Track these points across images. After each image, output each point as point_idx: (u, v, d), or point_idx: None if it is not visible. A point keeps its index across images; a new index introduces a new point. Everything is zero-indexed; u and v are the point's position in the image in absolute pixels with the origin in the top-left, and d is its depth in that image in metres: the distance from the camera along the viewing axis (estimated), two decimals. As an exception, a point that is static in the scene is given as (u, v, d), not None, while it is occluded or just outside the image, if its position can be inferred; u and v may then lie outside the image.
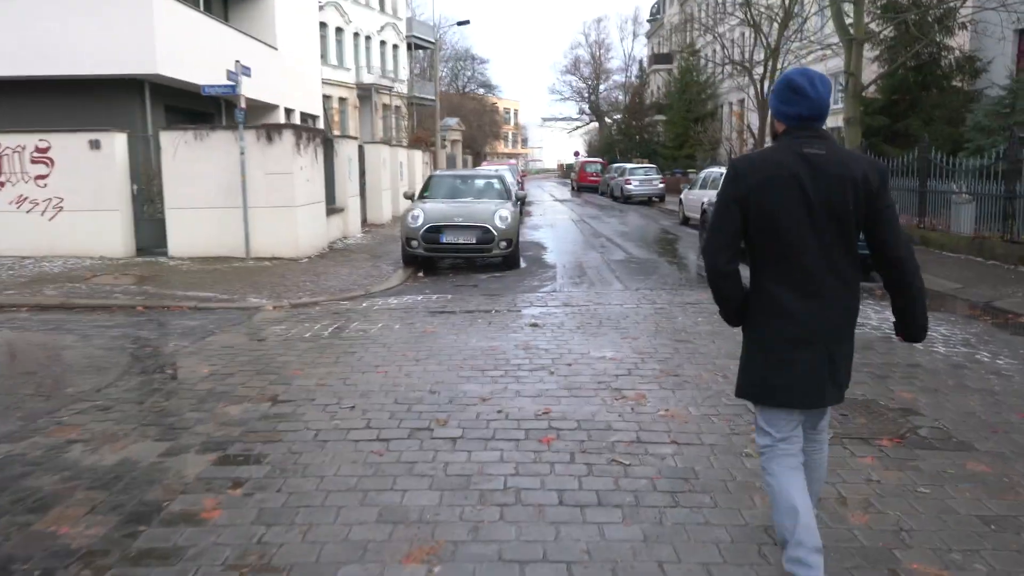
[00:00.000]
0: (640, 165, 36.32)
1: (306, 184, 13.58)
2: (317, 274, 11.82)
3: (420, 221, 12.53)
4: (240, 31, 21.26)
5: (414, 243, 12.55)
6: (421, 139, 40.03)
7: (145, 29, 15.43)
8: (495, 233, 12.41)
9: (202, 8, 20.31)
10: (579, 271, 12.42)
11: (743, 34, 30.01)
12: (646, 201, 33.18)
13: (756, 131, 25.59)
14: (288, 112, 25.79)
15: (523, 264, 13.37)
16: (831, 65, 30.63)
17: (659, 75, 59.59)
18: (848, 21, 18.92)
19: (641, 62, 68.31)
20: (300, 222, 13.27)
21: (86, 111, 15.49)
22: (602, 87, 77.67)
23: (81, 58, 15.29)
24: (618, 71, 76.57)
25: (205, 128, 12.98)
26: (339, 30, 45.93)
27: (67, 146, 12.86)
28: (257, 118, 22.29)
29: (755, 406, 3.13)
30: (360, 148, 20.31)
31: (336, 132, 43.19)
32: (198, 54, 17.35)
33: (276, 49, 23.79)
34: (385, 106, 51.47)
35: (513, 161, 41.88)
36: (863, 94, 19.13)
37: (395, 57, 53.65)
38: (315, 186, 14.16)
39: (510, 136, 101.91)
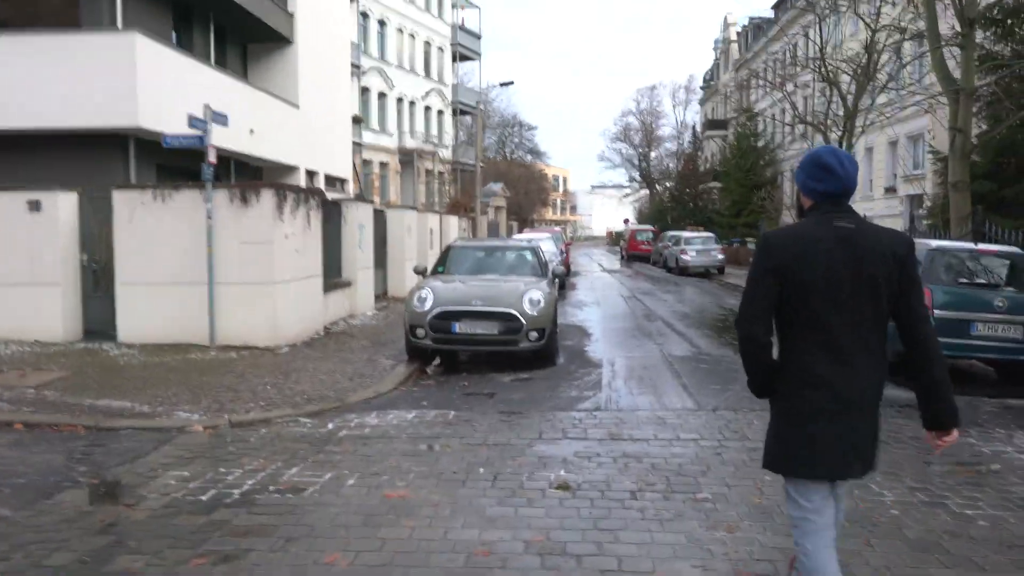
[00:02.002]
0: (697, 234, 33.39)
1: (292, 256, 10.99)
2: (290, 372, 9.08)
3: (428, 304, 9.79)
4: (249, 84, 19.23)
5: (419, 332, 9.79)
6: (461, 204, 37.79)
7: (124, 76, 13.26)
8: (523, 322, 9.58)
9: (212, 62, 18.37)
10: (631, 374, 9.44)
11: (815, 92, 27.26)
12: (703, 273, 30.14)
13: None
14: (311, 175, 23.66)
15: (560, 359, 10.46)
16: (913, 126, 27.65)
17: (713, 141, 57.16)
18: (953, 70, 16.02)
19: (694, 128, 66.06)
20: (282, 302, 10.63)
21: (63, 168, 13.23)
22: (653, 154, 75.74)
23: (50, 109, 13.16)
24: (669, 138, 74.65)
25: (167, 187, 10.54)
26: (382, 95, 44.62)
27: (1, 207, 10.53)
28: (273, 180, 20.10)
29: (784, 478, 3.06)
30: (378, 213, 17.84)
31: (375, 197, 41.49)
32: (193, 106, 15.15)
33: (297, 107, 21.75)
34: (428, 172, 49.85)
35: (557, 228, 39.34)
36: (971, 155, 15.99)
37: (440, 123, 52.26)
38: (307, 258, 11.56)
39: (558, 203, 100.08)
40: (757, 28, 50.46)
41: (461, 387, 8.79)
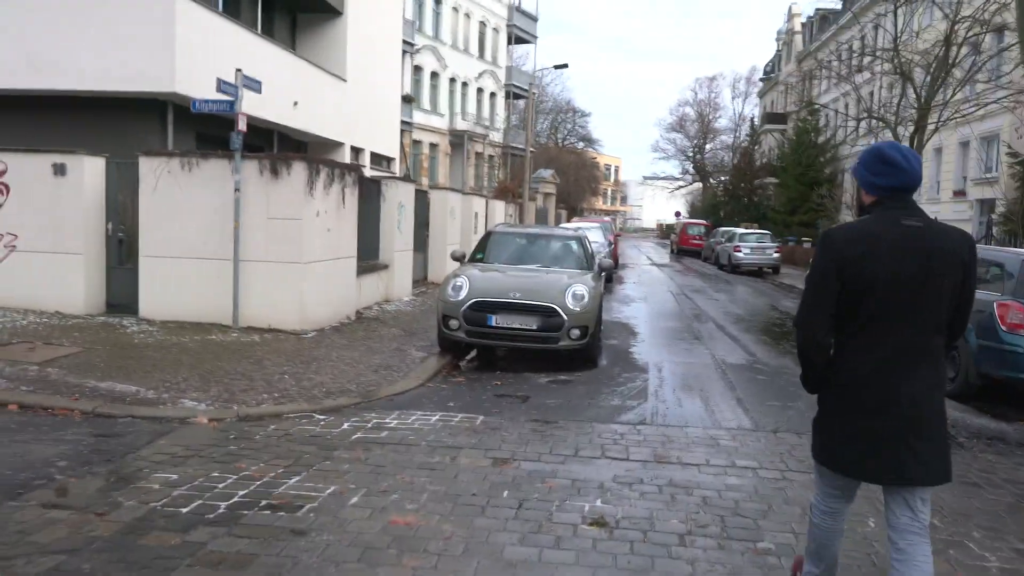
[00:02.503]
0: (752, 231, 32.12)
1: (324, 235, 10.38)
2: (311, 360, 8.47)
3: (463, 294, 9.08)
4: (296, 54, 18.69)
5: (453, 323, 9.09)
6: (508, 189, 37.03)
7: (162, 39, 12.78)
8: (565, 318, 8.82)
9: (259, 30, 17.86)
10: (681, 382, 8.60)
11: (883, 86, 25.79)
12: (755, 271, 28.95)
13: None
14: (356, 151, 23.13)
15: (603, 361, 9.67)
16: (987, 126, 26.03)
17: (771, 135, 55.32)
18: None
19: (752, 121, 64.15)
20: (311, 283, 10.03)
21: (100, 133, 12.83)
22: (708, 147, 73.95)
23: (88, 70, 12.73)
24: (726, 131, 72.82)
25: (195, 155, 9.98)
26: (434, 75, 44.00)
27: (25, 170, 10.10)
28: (317, 155, 19.59)
29: (817, 469, 3.13)
30: (420, 194, 17.18)
31: (424, 179, 40.96)
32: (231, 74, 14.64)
33: (345, 81, 21.19)
34: (478, 154, 49.23)
35: (607, 219, 38.26)
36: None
37: (492, 105, 51.52)
38: (340, 237, 10.94)
39: (609, 193, 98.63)
40: (823, 19, 48.50)
41: (493, 386, 8.07)
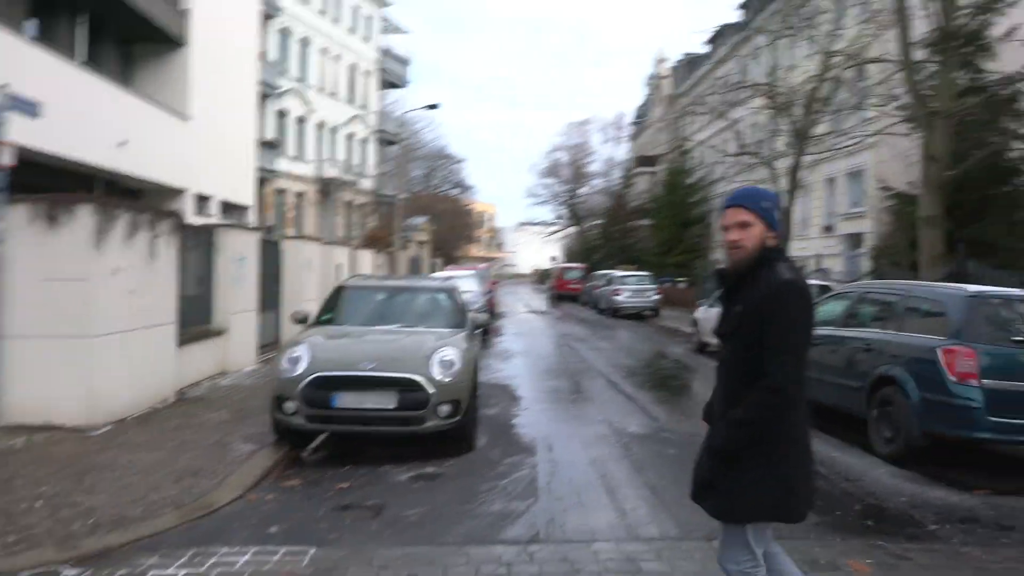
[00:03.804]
0: (631, 273, 31.42)
1: (125, 298, 8.19)
2: (89, 471, 6.28)
3: (301, 367, 7.14)
4: (123, 88, 16.30)
5: (289, 406, 7.12)
6: (379, 238, 35.03)
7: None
8: (430, 392, 7.02)
9: (83, 59, 15.43)
10: (577, 468, 6.86)
11: (760, 123, 25.76)
12: (635, 315, 28.10)
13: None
14: (202, 200, 20.66)
15: (480, 439, 7.90)
16: (853, 163, 26.38)
17: (643, 178, 56.01)
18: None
19: (627, 164, 65.01)
20: (103, 362, 7.80)
21: None
22: (582, 191, 74.45)
23: None
24: (599, 175, 73.55)
25: (-62, 200, 7.65)
26: (301, 119, 41.62)
27: None
28: (155, 205, 17.11)
29: (749, 527, 2.97)
30: (270, 244, 15.06)
31: (290, 230, 38.33)
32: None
33: (186, 119, 18.85)
34: (348, 203, 46.92)
35: (483, 265, 36.90)
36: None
37: (363, 152, 49.47)
38: (150, 300, 8.76)
39: (485, 240, 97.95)
40: (691, 63, 49.64)
41: (336, 492, 6.14)
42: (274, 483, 6.42)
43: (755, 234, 2.96)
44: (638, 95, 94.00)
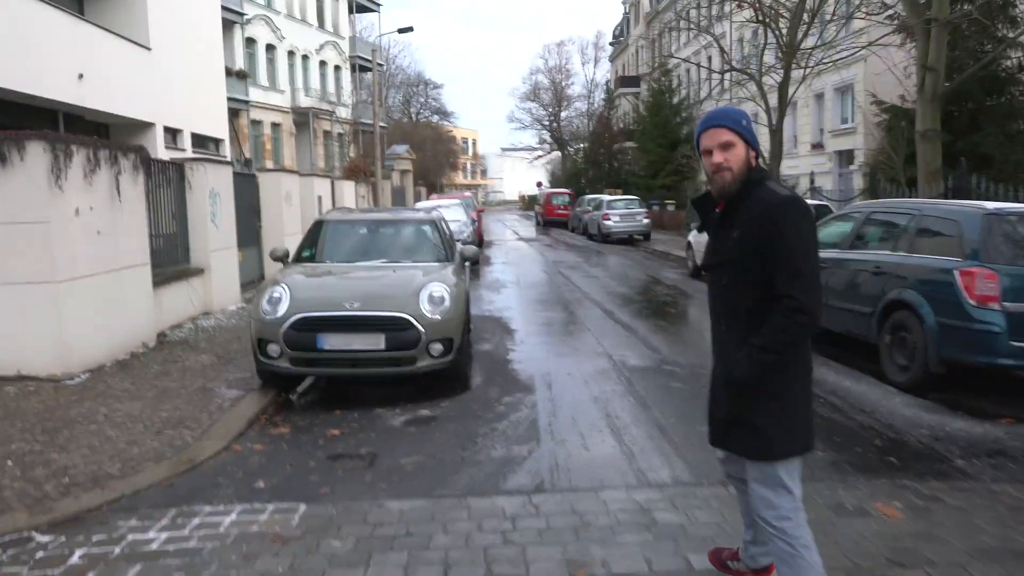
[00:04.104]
0: (620, 197, 30.88)
1: (92, 239, 7.69)
2: (65, 425, 5.90)
3: (282, 309, 6.74)
4: (79, 16, 15.36)
5: (272, 349, 6.74)
6: (360, 169, 34.16)
7: None
8: (421, 330, 6.65)
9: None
10: (579, 406, 6.53)
11: (747, 37, 24.87)
12: (626, 239, 27.74)
13: (768, 152, 20.25)
14: (173, 133, 19.87)
15: (476, 378, 7.58)
16: (841, 77, 25.68)
17: (626, 99, 54.87)
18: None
19: (607, 86, 63.61)
20: (73, 308, 7.35)
21: None
22: (564, 114, 73.16)
23: None
24: (580, 98, 72.21)
25: None
26: (270, 47, 40.10)
27: None
28: (124, 140, 16.36)
29: (782, 465, 2.78)
30: (246, 178, 14.45)
31: (268, 162, 37.34)
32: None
33: (148, 49, 17.90)
34: (327, 133, 45.70)
35: (468, 193, 36.04)
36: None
37: (338, 79, 47.95)
38: (119, 241, 8.27)
39: (468, 167, 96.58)
40: (670, -21, 47.97)
41: (328, 439, 5.81)
42: (261, 431, 6.08)
43: (739, 154, 2.81)
44: (616, 14, 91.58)
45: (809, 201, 14.63)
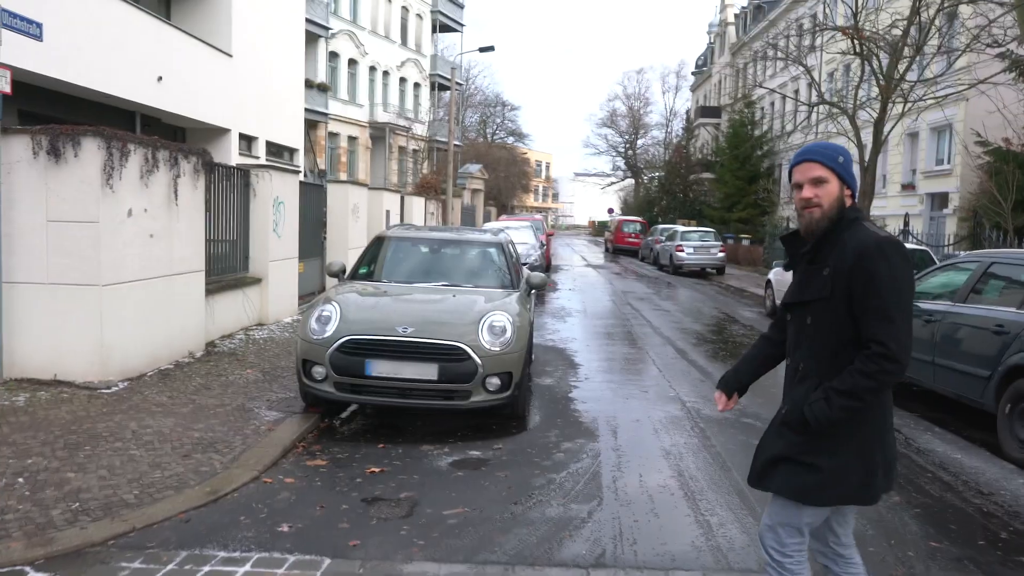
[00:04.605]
0: (694, 228, 29.94)
1: (145, 243, 7.38)
2: (90, 439, 5.50)
3: (330, 328, 6.24)
4: (162, 19, 15.44)
5: (317, 372, 6.24)
6: (431, 185, 34.03)
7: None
8: (478, 362, 6.06)
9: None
10: (648, 459, 5.82)
11: (838, 69, 23.77)
12: (698, 272, 26.77)
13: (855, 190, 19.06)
14: (248, 140, 19.91)
15: (534, 416, 6.94)
16: (938, 116, 24.26)
17: (705, 129, 53.77)
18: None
19: (688, 114, 62.59)
20: (117, 313, 7.02)
21: None
22: (640, 142, 72.35)
23: None
24: (657, 126, 71.29)
25: (-66, 127, 6.85)
26: (352, 62, 40.57)
27: None
28: (200, 145, 16.36)
29: (810, 511, 2.68)
30: (314, 188, 14.21)
31: (343, 174, 37.64)
32: (70, 39, 11.43)
33: (230, 56, 17.96)
34: (402, 148, 45.96)
35: (538, 216, 35.54)
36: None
37: (416, 96, 48.29)
38: (174, 246, 7.95)
39: (540, 189, 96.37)
40: (757, 9, 46.95)
41: (366, 476, 5.24)
42: (296, 462, 5.56)
43: (831, 191, 2.66)
44: (699, 43, 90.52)
45: (908, 245, 13.63)
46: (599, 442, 6.17)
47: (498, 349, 6.19)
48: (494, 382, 6.19)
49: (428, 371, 6.06)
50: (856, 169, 18.23)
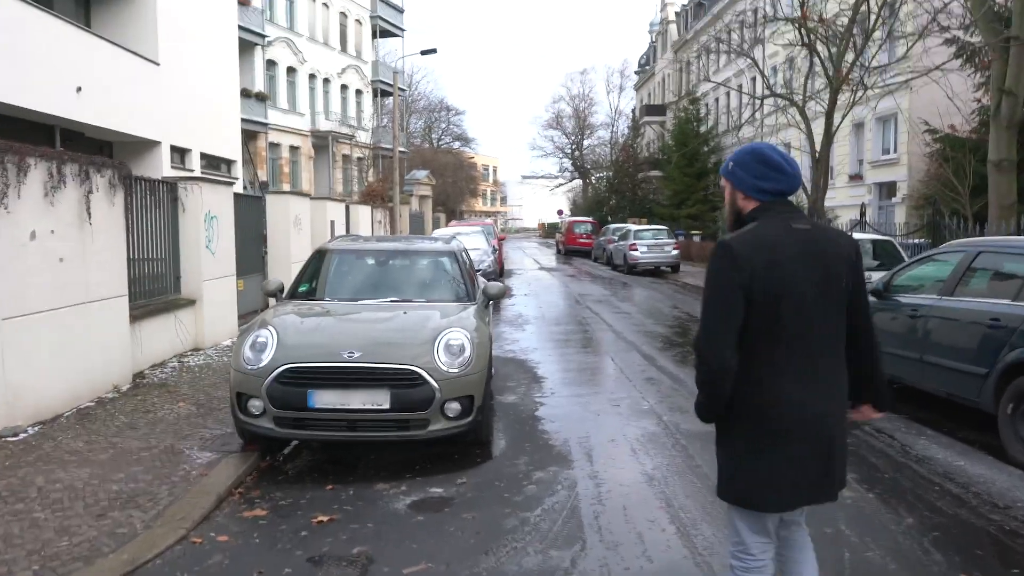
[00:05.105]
0: (648, 227, 29.66)
1: (53, 268, 6.55)
2: (-17, 502, 4.71)
3: (266, 358, 5.52)
4: (82, 27, 14.44)
5: (253, 406, 5.51)
6: (377, 193, 33.17)
7: None
8: (434, 386, 5.41)
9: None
10: (631, 494, 5.18)
11: (783, 62, 23.69)
12: (652, 271, 26.47)
13: (809, 183, 18.94)
14: (181, 153, 18.91)
15: (499, 442, 6.31)
16: (885, 106, 24.36)
17: (651, 128, 53.87)
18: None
19: (634, 113, 62.65)
20: (19, 351, 6.18)
21: None
22: (586, 142, 72.31)
23: None
24: (603, 126, 71.31)
25: None
26: (291, 70, 39.43)
27: None
28: (128, 159, 15.36)
29: (738, 510, 2.66)
30: (252, 200, 13.37)
31: (286, 184, 36.50)
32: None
33: (157, 64, 16.98)
34: (346, 157, 44.90)
35: (488, 221, 35.01)
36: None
37: (359, 103, 47.28)
38: (90, 270, 7.12)
39: (488, 193, 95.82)
40: (698, 7, 47.12)
41: (312, 528, 4.55)
42: (231, 513, 4.84)
43: (727, 197, 2.77)
44: (641, 43, 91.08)
45: (862, 236, 13.32)
46: (574, 469, 5.55)
47: (456, 371, 5.55)
48: (454, 407, 5.54)
49: (379, 399, 5.38)
50: (807, 161, 17.86)
